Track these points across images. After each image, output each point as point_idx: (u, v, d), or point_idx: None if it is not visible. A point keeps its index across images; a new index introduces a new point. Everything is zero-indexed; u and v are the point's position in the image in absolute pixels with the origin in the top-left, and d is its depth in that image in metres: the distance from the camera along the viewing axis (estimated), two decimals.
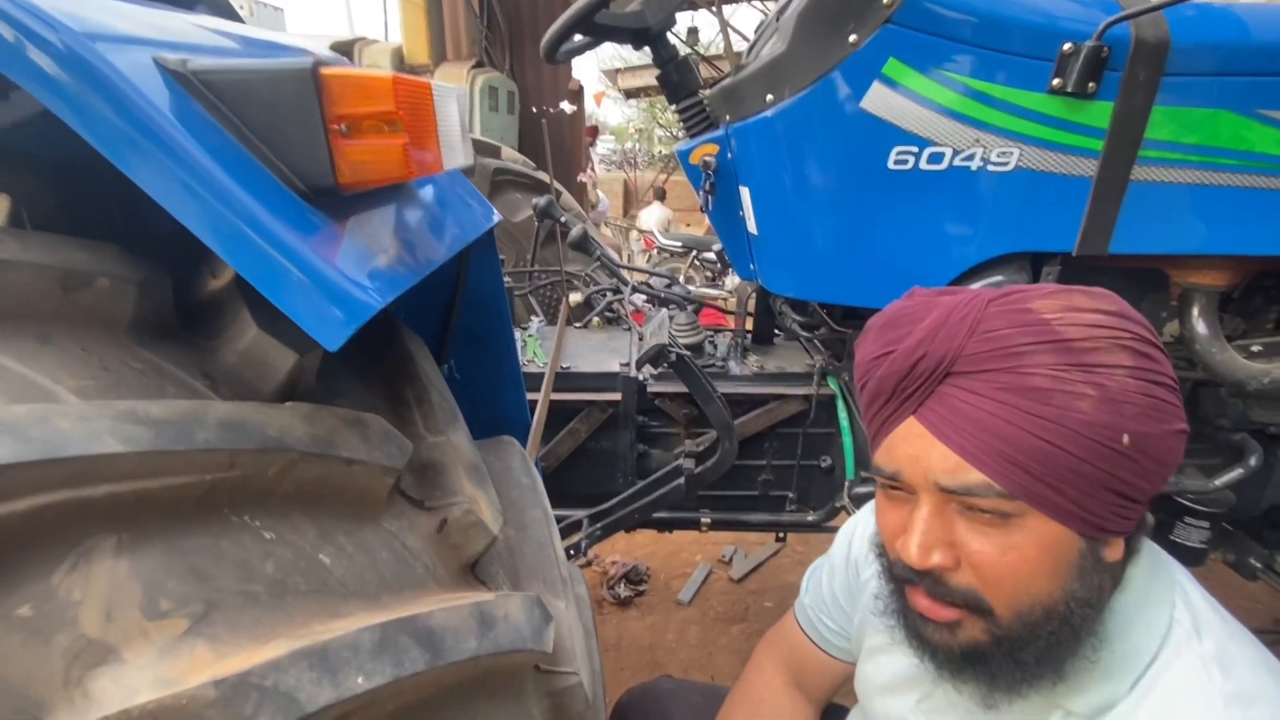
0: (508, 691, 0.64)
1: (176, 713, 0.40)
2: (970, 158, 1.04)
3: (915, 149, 1.05)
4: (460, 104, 0.62)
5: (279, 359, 0.57)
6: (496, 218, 0.84)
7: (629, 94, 13.56)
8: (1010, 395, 0.49)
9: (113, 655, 0.41)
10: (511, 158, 2.91)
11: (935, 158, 1.05)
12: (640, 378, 1.40)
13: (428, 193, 0.68)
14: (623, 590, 2.24)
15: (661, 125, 15.22)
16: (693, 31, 1.30)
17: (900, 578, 0.57)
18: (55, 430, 0.40)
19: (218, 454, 0.46)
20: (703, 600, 2.26)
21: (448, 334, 0.92)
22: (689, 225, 8.84)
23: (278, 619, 0.47)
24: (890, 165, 1.07)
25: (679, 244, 6.33)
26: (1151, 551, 0.59)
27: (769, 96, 1.11)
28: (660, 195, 8.58)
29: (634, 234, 8.09)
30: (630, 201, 11.78)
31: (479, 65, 5.31)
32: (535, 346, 1.54)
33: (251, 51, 0.58)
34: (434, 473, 0.68)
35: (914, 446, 0.53)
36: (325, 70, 0.45)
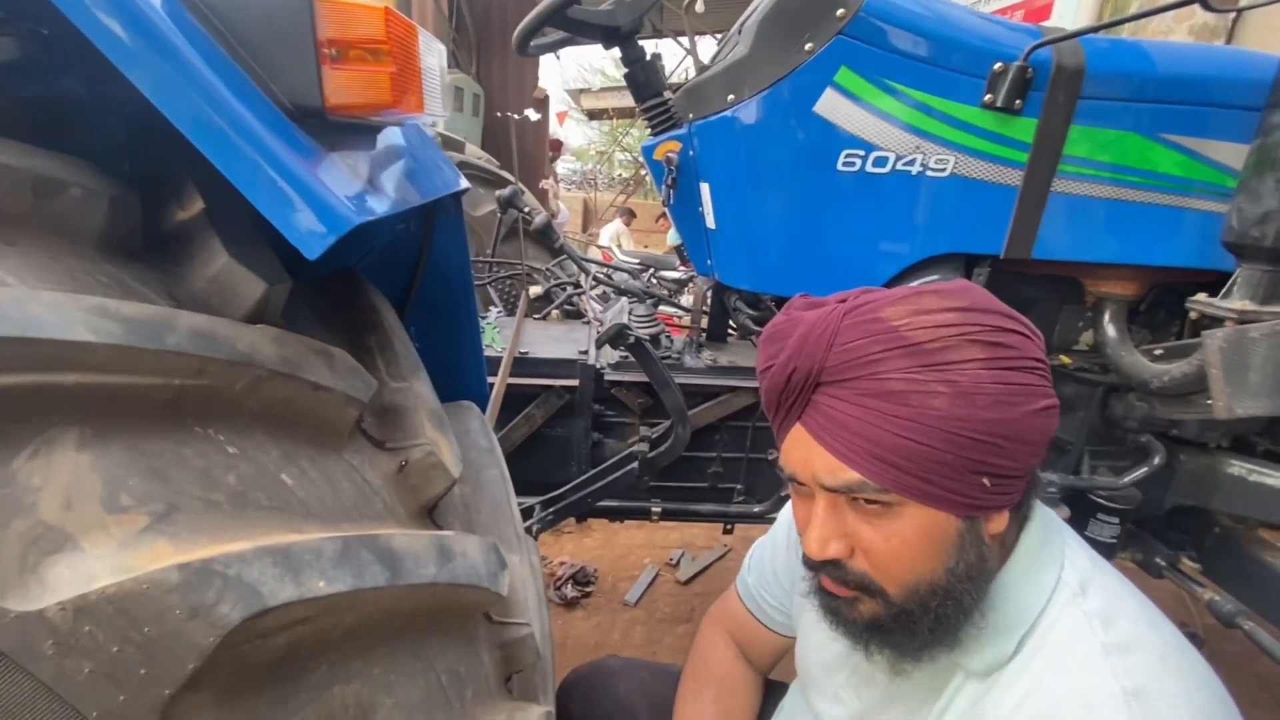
0: (460, 634, 0.65)
1: (137, 598, 0.40)
2: (911, 163, 1.13)
3: (862, 152, 1.14)
4: (440, 59, 0.65)
5: (248, 287, 0.57)
6: (464, 184, 0.87)
7: (591, 115, 13.75)
8: (871, 400, 0.52)
9: (70, 543, 0.41)
10: (475, 154, 2.93)
11: (880, 161, 1.14)
12: (598, 365, 1.43)
13: (404, 142, 0.70)
14: (570, 591, 2.24)
15: (623, 149, 15.44)
16: (656, 57, 1.36)
17: (809, 565, 0.62)
18: (29, 313, 0.40)
19: (187, 359, 0.47)
20: (649, 601, 2.27)
21: (410, 298, 0.93)
22: (647, 245, 8.96)
23: (238, 526, 0.47)
24: (839, 166, 1.15)
25: (637, 261, 6.41)
26: (1044, 519, 0.63)
27: (730, 96, 1.18)
28: (624, 214, 8.71)
29: (593, 250, 8.16)
30: (590, 220, 11.87)
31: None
32: (494, 334, 1.55)
33: None
34: (396, 416, 0.69)
35: (802, 450, 0.57)
36: None
